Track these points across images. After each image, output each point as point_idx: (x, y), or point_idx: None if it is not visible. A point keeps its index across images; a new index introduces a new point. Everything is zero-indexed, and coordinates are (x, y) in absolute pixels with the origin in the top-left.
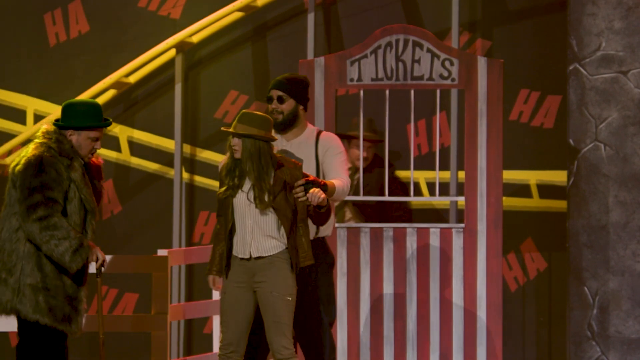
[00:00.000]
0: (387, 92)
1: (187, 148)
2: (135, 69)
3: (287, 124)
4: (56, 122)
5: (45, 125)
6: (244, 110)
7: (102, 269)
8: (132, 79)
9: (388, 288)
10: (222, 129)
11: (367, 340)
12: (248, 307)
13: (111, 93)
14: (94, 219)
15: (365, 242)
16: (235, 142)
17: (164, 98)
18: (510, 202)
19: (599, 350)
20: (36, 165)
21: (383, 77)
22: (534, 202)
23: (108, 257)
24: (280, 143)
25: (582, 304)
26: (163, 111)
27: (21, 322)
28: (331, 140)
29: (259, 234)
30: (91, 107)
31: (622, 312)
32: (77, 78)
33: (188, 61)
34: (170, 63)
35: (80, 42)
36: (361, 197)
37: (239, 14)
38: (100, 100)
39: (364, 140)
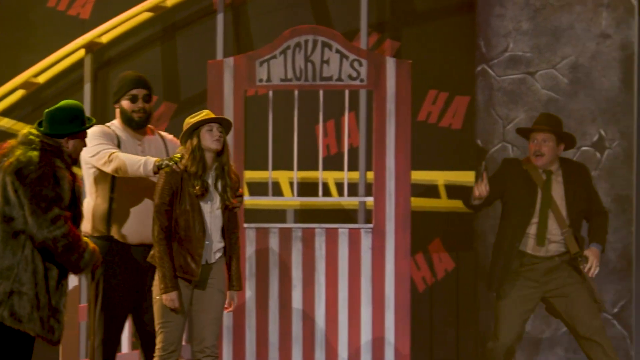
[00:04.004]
0: (296, 92)
1: None
2: (44, 69)
3: (146, 124)
4: (51, 129)
5: (32, 130)
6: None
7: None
8: (41, 79)
9: (297, 288)
10: (201, 120)
11: (275, 340)
12: (187, 306)
13: (20, 93)
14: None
15: (274, 242)
16: (220, 132)
17: (74, 98)
18: (419, 203)
19: None
20: (51, 176)
21: (292, 77)
22: (442, 203)
23: None
24: (131, 142)
25: (490, 305)
26: None
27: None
28: (174, 138)
29: (216, 236)
30: (80, 109)
31: None
32: None
33: (97, 61)
34: (80, 63)
35: None
36: (270, 198)
37: (148, 14)
38: (9, 100)
39: None
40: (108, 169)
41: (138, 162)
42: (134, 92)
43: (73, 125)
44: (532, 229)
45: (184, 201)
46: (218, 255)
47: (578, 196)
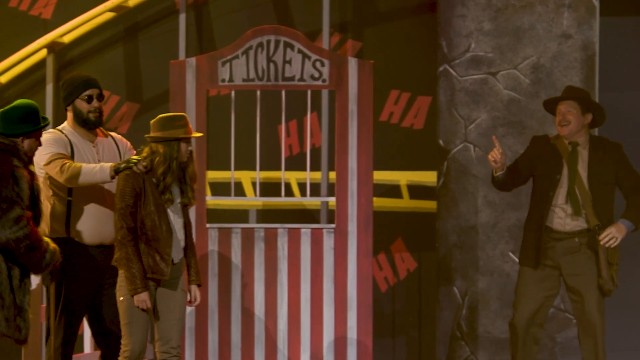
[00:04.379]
0: (259, 92)
1: None
2: (6, 69)
3: (101, 123)
4: (5, 128)
5: None
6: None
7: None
8: (3, 79)
9: (259, 288)
10: (185, 137)
11: (238, 340)
12: (152, 307)
13: None
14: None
15: (236, 242)
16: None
17: (36, 98)
18: (381, 203)
19: (468, 350)
20: (9, 176)
21: (254, 77)
22: (404, 203)
23: None
24: (85, 145)
25: (452, 304)
26: None
27: None
28: (122, 138)
29: (180, 235)
30: (35, 108)
31: (490, 312)
32: None
33: (59, 61)
34: (42, 63)
35: None
36: (232, 198)
37: (110, 14)
38: None
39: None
40: (61, 179)
41: (93, 169)
42: (89, 92)
43: (28, 125)
44: (558, 200)
45: (149, 202)
46: (182, 254)
47: (603, 170)
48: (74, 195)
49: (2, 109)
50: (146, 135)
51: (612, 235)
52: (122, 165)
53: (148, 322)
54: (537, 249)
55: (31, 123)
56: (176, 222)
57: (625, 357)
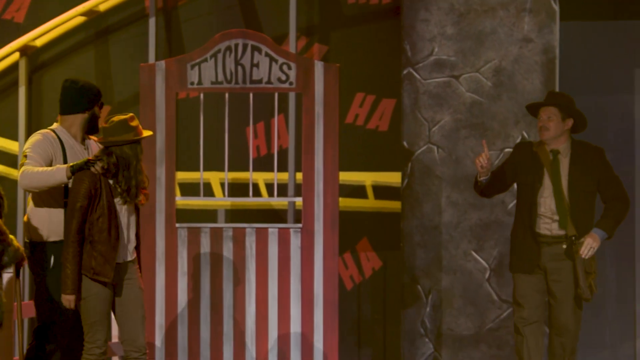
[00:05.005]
0: (227, 95)
1: None
2: None
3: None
4: None
5: None
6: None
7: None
8: None
9: (227, 287)
10: (143, 137)
11: (207, 337)
12: (108, 307)
13: None
14: None
15: (205, 241)
16: None
17: (8, 100)
18: (347, 203)
19: (432, 347)
20: None
21: (223, 80)
22: (370, 203)
23: None
24: (78, 147)
25: (416, 302)
26: (7, 114)
27: None
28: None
29: (131, 234)
30: None
31: (454, 310)
32: None
33: (32, 64)
34: (14, 66)
35: None
36: (201, 198)
37: (81, 19)
38: None
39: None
40: (20, 185)
41: (48, 173)
42: (101, 99)
43: None
44: (541, 209)
45: (102, 204)
46: (133, 253)
47: (584, 177)
48: (70, 196)
49: None
50: (110, 139)
51: (590, 247)
52: (78, 166)
53: (109, 322)
54: (529, 254)
55: None
56: (130, 221)
57: (593, 356)
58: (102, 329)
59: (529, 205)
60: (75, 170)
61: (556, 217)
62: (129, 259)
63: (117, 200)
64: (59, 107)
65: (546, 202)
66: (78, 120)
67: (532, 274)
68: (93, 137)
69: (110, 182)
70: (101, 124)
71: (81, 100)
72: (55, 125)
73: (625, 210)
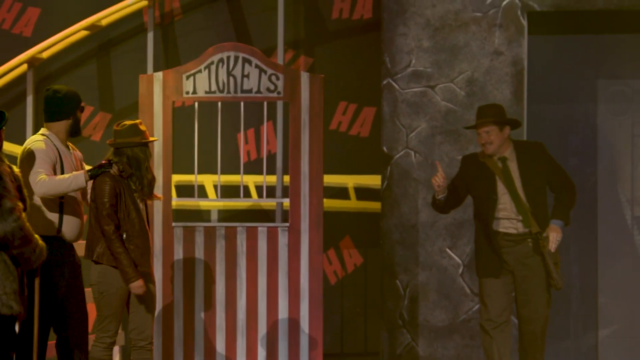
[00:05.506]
0: (220, 104)
1: None
2: None
3: None
4: None
5: None
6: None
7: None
8: None
9: (220, 281)
10: (148, 140)
11: (201, 329)
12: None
13: None
14: None
15: (199, 239)
16: None
17: (17, 109)
18: (331, 204)
19: (410, 337)
20: None
21: (216, 90)
22: (352, 204)
23: None
24: (68, 153)
25: (395, 296)
26: (16, 120)
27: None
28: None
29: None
30: None
31: (429, 303)
32: None
33: (38, 75)
34: (23, 77)
35: None
36: (196, 199)
37: (85, 33)
38: None
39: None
40: (37, 193)
41: (67, 180)
42: (82, 104)
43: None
44: (502, 213)
45: (128, 202)
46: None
47: (534, 174)
48: (65, 196)
49: None
50: (122, 140)
51: (557, 240)
52: (95, 170)
53: (123, 313)
54: (494, 260)
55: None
56: (144, 219)
57: (557, 345)
58: (115, 320)
59: (486, 215)
60: (93, 176)
61: (520, 218)
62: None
63: (136, 197)
64: (45, 115)
65: (507, 208)
66: (64, 126)
67: (499, 277)
68: (71, 145)
69: (126, 181)
70: (98, 129)
71: (65, 107)
72: (45, 132)
73: (573, 196)
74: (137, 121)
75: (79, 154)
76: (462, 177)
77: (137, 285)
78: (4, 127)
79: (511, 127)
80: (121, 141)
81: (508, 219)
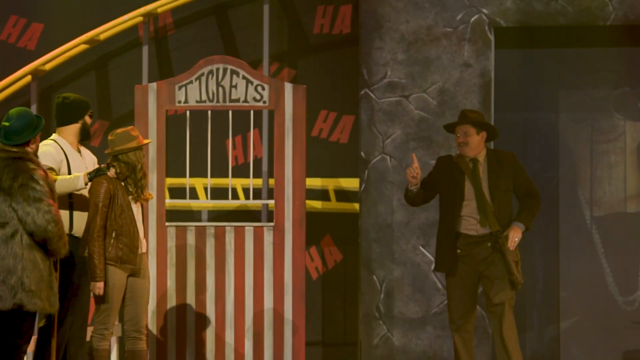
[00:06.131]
0: (209, 112)
1: None
2: None
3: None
4: (19, 139)
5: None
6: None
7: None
8: None
9: (210, 277)
10: (143, 143)
11: (192, 320)
12: (123, 292)
13: None
14: None
15: (190, 238)
16: None
17: None
18: (312, 205)
19: (386, 328)
20: (30, 177)
21: (206, 99)
22: (332, 205)
23: None
24: (76, 155)
25: (372, 290)
26: None
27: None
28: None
29: (141, 231)
30: (29, 113)
31: (404, 296)
32: None
33: (42, 86)
34: (27, 87)
35: None
36: (187, 200)
37: (84, 46)
38: None
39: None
40: None
41: (69, 180)
42: (90, 110)
43: (29, 131)
44: (465, 211)
45: (121, 202)
46: (144, 246)
47: (502, 179)
48: (74, 196)
49: (3, 125)
50: (117, 148)
51: (515, 238)
52: (93, 173)
53: (119, 305)
54: (451, 257)
55: (32, 127)
56: (138, 219)
57: (520, 337)
58: (114, 313)
59: (452, 212)
60: (92, 177)
61: (478, 218)
62: (142, 250)
63: (130, 199)
64: (55, 121)
65: (470, 205)
66: (73, 130)
67: (456, 276)
68: (84, 148)
69: (122, 184)
70: (96, 136)
71: (74, 112)
72: (55, 136)
73: (537, 204)
74: (129, 128)
75: (93, 157)
76: (434, 175)
77: (96, 286)
78: (39, 133)
79: (489, 135)
80: (117, 149)
81: (470, 218)
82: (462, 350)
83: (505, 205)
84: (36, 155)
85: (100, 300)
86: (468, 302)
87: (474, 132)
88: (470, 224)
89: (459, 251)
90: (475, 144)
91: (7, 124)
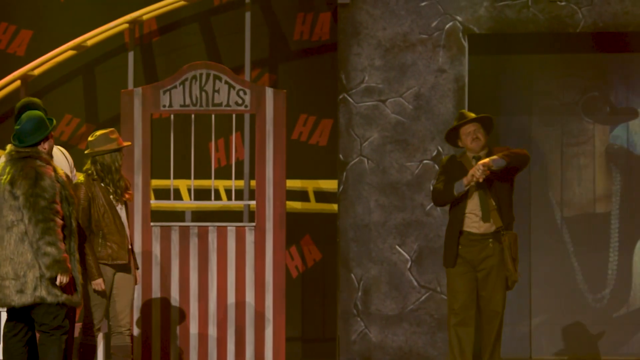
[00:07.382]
0: (193, 116)
1: None
2: None
3: None
4: (30, 140)
5: (11, 147)
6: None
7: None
8: None
9: (193, 275)
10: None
11: (176, 317)
12: (110, 289)
13: None
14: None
15: (175, 237)
16: None
17: (11, 121)
18: (292, 205)
19: (363, 324)
20: (34, 175)
21: (189, 103)
22: (312, 205)
23: None
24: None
25: (350, 288)
26: (10, 132)
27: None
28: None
29: (126, 229)
30: (41, 115)
31: (381, 294)
32: None
33: (31, 90)
34: (17, 92)
35: None
36: (171, 201)
37: (72, 52)
38: None
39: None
40: None
41: None
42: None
43: (42, 131)
44: (468, 208)
45: (102, 202)
46: (129, 244)
47: (502, 174)
48: None
49: (17, 126)
50: (96, 149)
51: (485, 161)
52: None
53: (107, 302)
54: (455, 250)
55: (44, 128)
56: (123, 217)
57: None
58: (102, 309)
59: (458, 208)
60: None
61: (480, 214)
62: (128, 247)
63: (111, 199)
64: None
65: (473, 201)
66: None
67: (459, 271)
68: (62, 148)
69: (102, 185)
70: (83, 139)
71: (51, 126)
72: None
73: (523, 155)
74: (108, 130)
75: (66, 159)
76: (448, 174)
77: (97, 283)
78: (51, 132)
79: (487, 131)
80: (95, 150)
81: (473, 215)
82: (455, 347)
83: (506, 201)
84: (50, 155)
85: (89, 297)
86: (468, 294)
87: (482, 128)
88: (473, 221)
89: (460, 247)
90: (485, 140)
91: (17, 127)
